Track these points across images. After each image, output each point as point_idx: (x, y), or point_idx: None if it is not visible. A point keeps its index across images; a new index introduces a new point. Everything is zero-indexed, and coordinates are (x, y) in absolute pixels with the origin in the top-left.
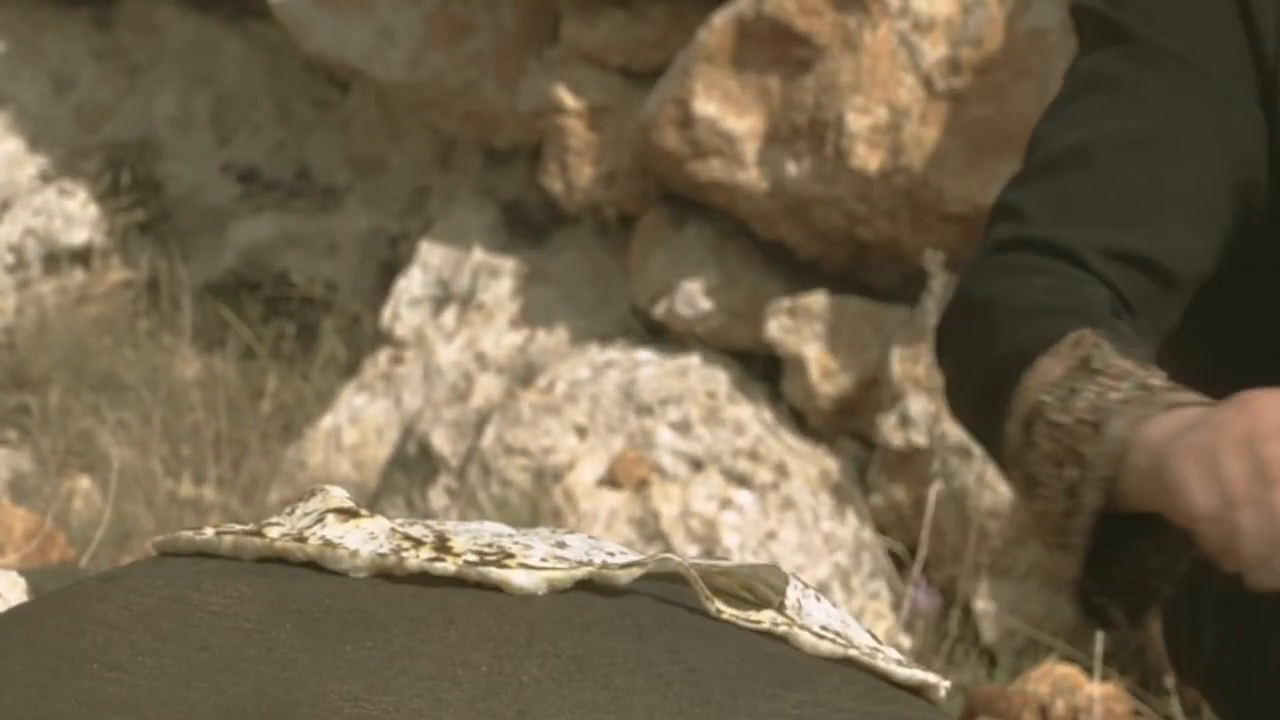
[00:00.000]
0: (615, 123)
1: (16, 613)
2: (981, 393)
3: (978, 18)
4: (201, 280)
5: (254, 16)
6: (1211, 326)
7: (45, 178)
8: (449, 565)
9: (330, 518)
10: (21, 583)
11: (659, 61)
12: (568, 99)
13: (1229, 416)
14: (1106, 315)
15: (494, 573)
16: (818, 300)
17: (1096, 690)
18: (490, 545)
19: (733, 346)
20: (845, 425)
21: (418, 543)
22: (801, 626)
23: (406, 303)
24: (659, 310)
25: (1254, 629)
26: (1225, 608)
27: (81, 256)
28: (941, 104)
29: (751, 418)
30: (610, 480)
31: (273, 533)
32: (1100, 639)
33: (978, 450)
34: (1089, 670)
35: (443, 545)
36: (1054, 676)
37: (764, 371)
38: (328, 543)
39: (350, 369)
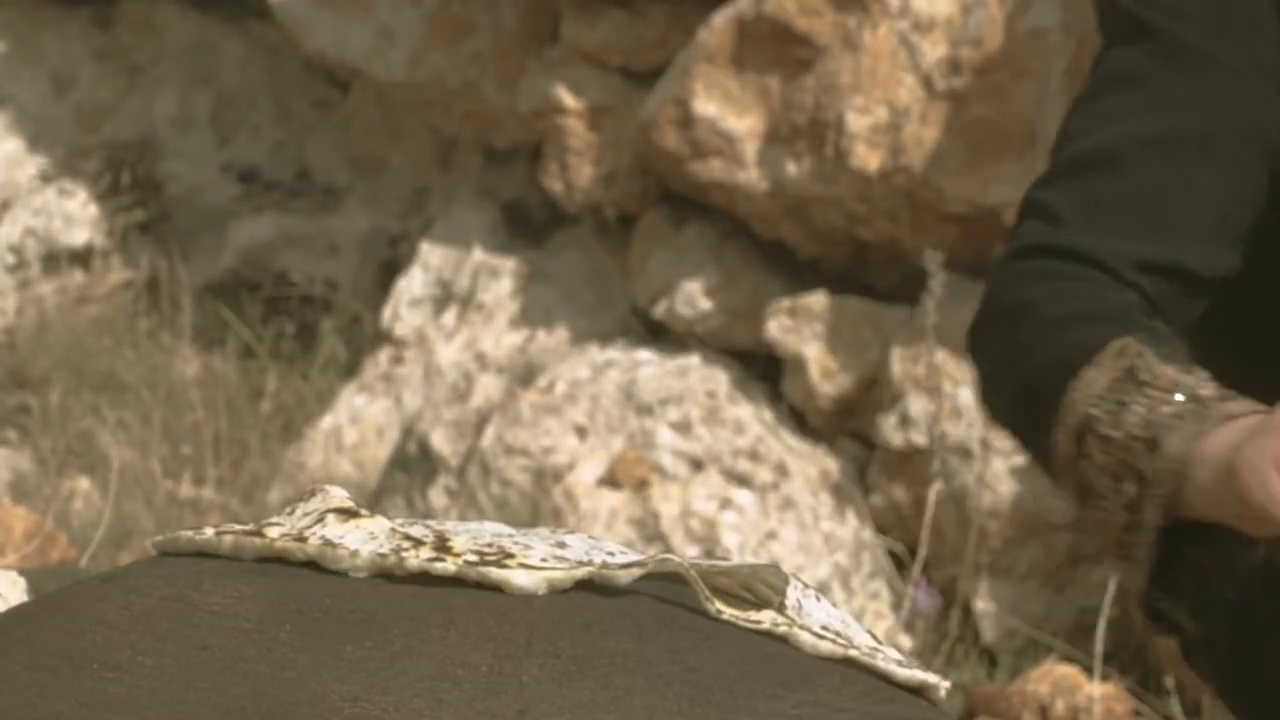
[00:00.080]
0: (615, 123)
1: (16, 613)
2: (1024, 400)
3: (978, 18)
4: (201, 280)
5: (254, 16)
6: (1232, 323)
7: (45, 178)
8: (449, 565)
9: (330, 518)
10: (21, 583)
11: (659, 61)
12: (568, 99)
13: None
14: (1141, 318)
15: (494, 573)
16: (818, 300)
17: (1096, 690)
18: (490, 545)
19: (733, 346)
20: (845, 425)
21: (418, 543)
22: (802, 626)
23: (407, 303)
24: (659, 310)
25: (1265, 627)
26: (1238, 606)
27: (81, 256)
28: (941, 104)
29: (751, 418)
30: (610, 480)
31: (273, 533)
32: (1100, 639)
33: (978, 450)
34: (1089, 670)
35: (443, 545)
36: (1054, 676)
37: (764, 371)
38: (328, 543)
39: (350, 369)
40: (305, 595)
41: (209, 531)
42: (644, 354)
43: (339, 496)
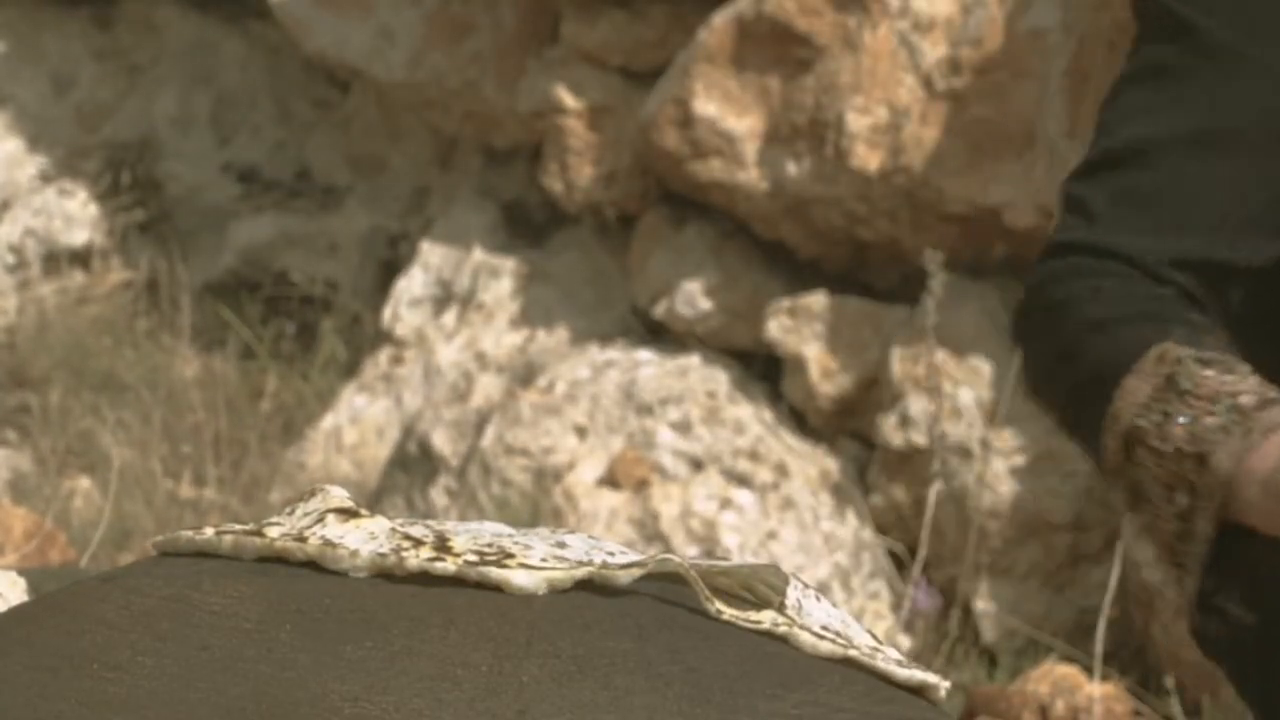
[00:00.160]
0: (615, 123)
1: (16, 613)
2: (1071, 405)
3: (978, 18)
4: (201, 280)
5: (254, 16)
6: (1271, 312)
7: (45, 178)
8: (449, 565)
9: (330, 518)
10: (21, 583)
11: (659, 61)
12: (568, 99)
13: None
14: (1178, 311)
15: (494, 573)
16: (818, 300)
17: (1096, 690)
18: (490, 545)
19: (733, 346)
20: (845, 425)
21: (418, 543)
22: (802, 626)
23: (407, 303)
24: (659, 310)
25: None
26: (1250, 588)
27: (81, 257)
28: (941, 104)
29: (751, 418)
30: (610, 480)
31: (273, 532)
32: (1100, 639)
33: (978, 450)
34: (1089, 670)
35: (443, 545)
36: (1054, 676)
37: (764, 371)
38: (328, 542)
39: (350, 369)
40: (305, 595)
41: (209, 531)
42: (644, 354)
43: (339, 496)
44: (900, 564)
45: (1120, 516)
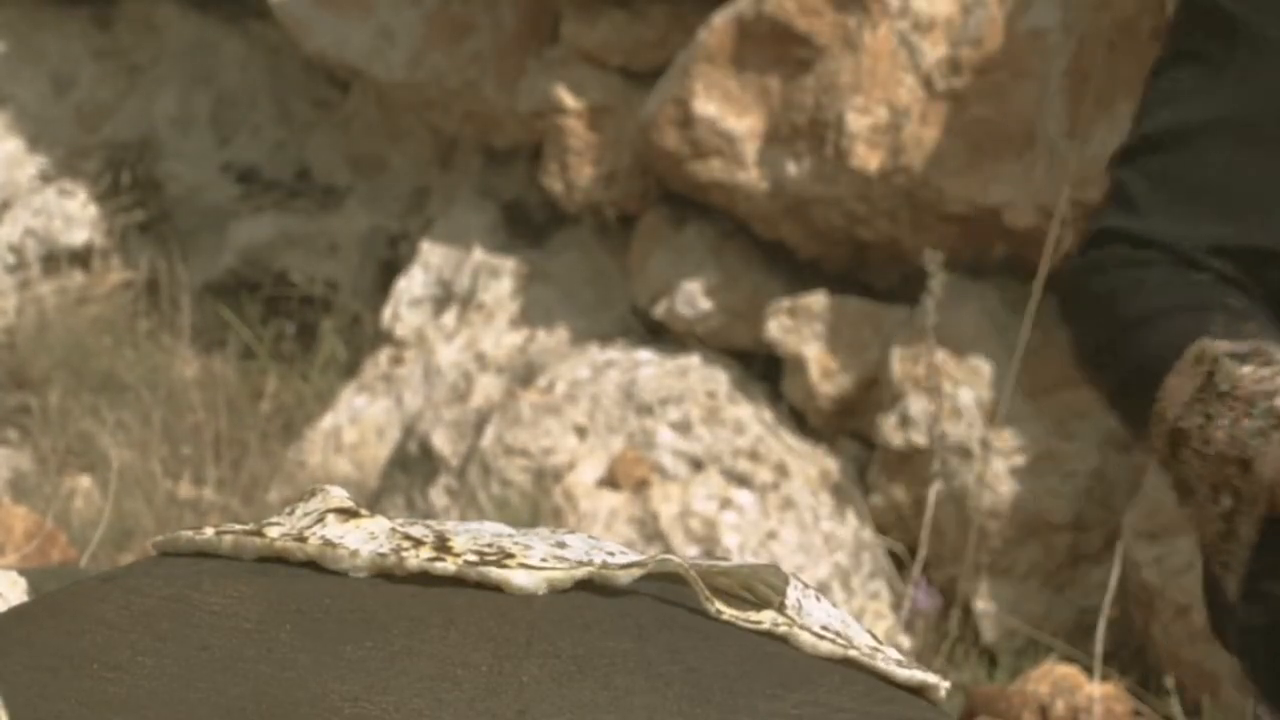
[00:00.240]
0: (615, 123)
1: (16, 613)
2: (1119, 400)
3: (978, 18)
4: (201, 280)
5: (254, 16)
6: None
7: (45, 178)
8: (449, 565)
9: (330, 518)
10: (21, 583)
11: (659, 61)
12: (568, 99)
13: None
14: (1218, 299)
15: (494, 573)
16: (818, 300)
17: (1096, 690)
18: (490, 545)
19: (733, 346)
20: (845, 425)
21: (418, 543)
22: (802, 626)
23: (407, 303)
24: (659, 310)
25: None
26: (1257, 578)
27: (81, 257)
28: (941, 104)
29: (751, 418)
30: (610, 480)
31: (273, 532)
32: (1100, 639)
33: (978, 450)
34: (1089, 670)
35: (443, 545)
36: (1054, 676)
37: (764, 371)
38: (328, 542)
39: (350, 369)
40: (305, 595)
41: (209, 531)
42: (644, 354)
43: (339, 496)
44: (900, 564)
45: (1120, 516)
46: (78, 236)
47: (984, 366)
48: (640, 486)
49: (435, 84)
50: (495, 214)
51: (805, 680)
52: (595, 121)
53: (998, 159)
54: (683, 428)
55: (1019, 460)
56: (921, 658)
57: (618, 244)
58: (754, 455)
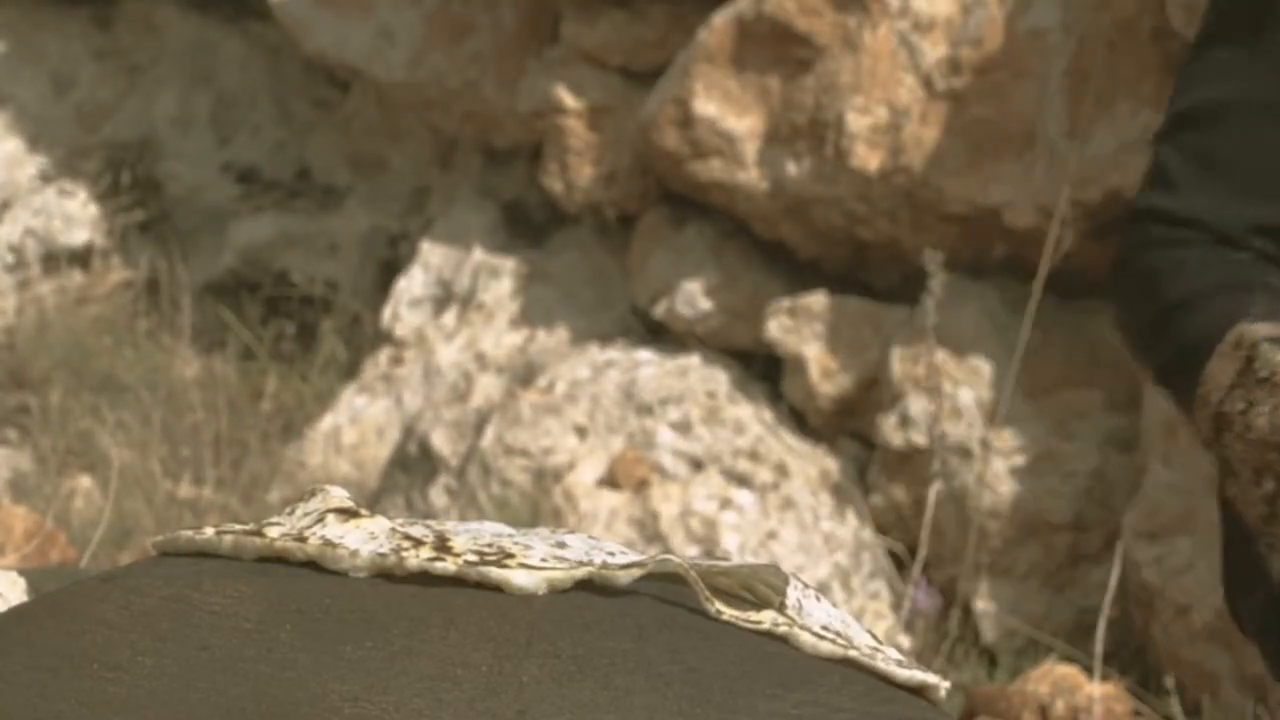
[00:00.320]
0: (615, 123)
1: (16, 613)
2: (1165, 383)
3: (978, 18)
4: (201, 280)
5: (254, 16)
6: None
7: (45, 178)
8: (449, 565)
9: (330, 518)
10: (21, 583)
11: (659, 61)
12: (568, 99)
13: None
14: (1258, 278)
15: (494, 573)
16: (818, 300)
17: (1096, 690)
18: (490, 545)
19: (733, 346)
20: (845, 425)
21: (418, 543)
22: (802, 627)
23: (407, 303)
24: (659, 310)
25: None
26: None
27: (81, 256)
28: (941, 104)
29: (751, 418)
30: (610, 480)
31: (273, 532)
32: (1100, 639)
33: (978, 450)
34: (1089, 670)
35: (443, 545)
36: (1054, 676)
37: (764, 371)
38: (328, 542)
39: (350, 369)
40: (305, 595)
41: (209, 531)
42: (644, 354)
43: (339, 496)
44: (900, 564)
45: (1120, 516)
46: (78, 236)
47: (984, 366)
48: (640, 486)
49: (435, 84)
50: (495, 214)
51: (805, 680)
52: (595, 121)
53: (998, 159)
54: (683, 428)
55: (1019, 460)
56: (921, 658)
57: (618, 244)
58: (754, 455)
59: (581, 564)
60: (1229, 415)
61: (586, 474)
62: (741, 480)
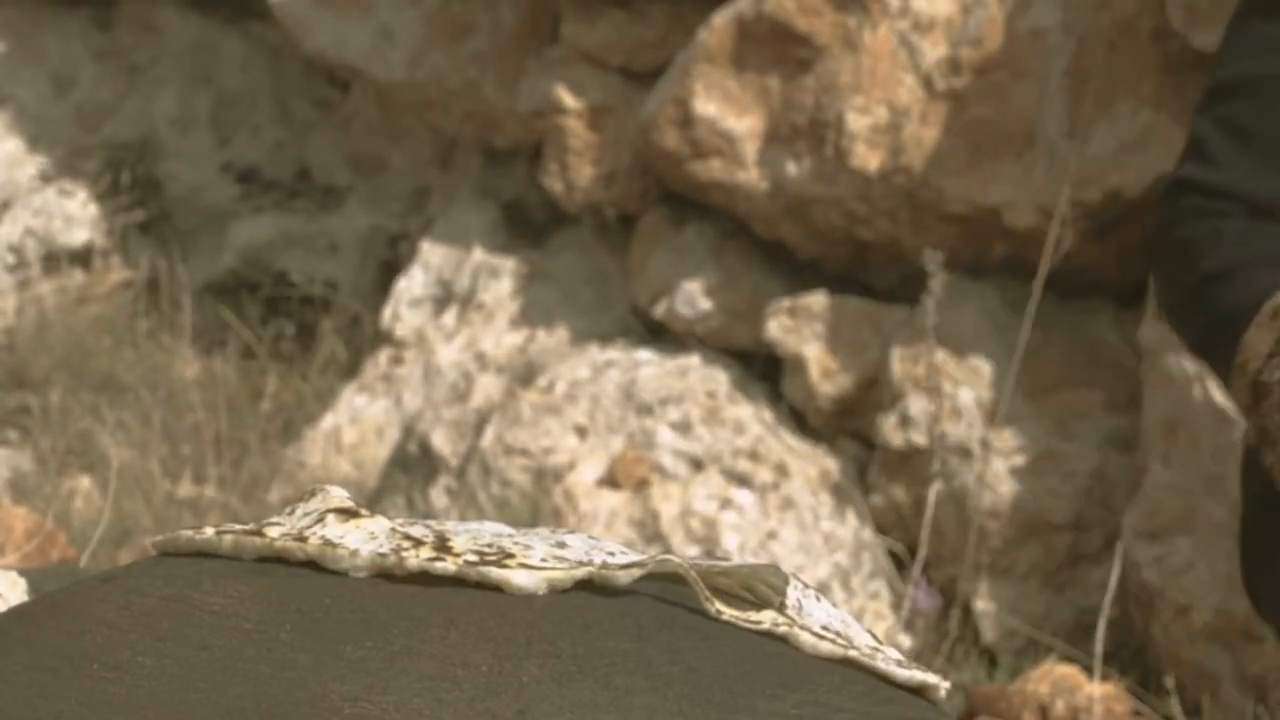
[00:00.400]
0: (615, 123)
1: (16, 613)
2: (1203, 351)
3: (978, 18)
4: (201, 280)
5: (254, 16)
6: None
7: (45, 178)
8: (449, 565)
9: (330, 517)
10: (21, 583)
11: (659, 61)
12: (568, 99)
13: None
14: None
15: (494, 573)
16: (818, 300)
17: (1096, 690)
18: (490, 545)
19: (733, 346)
20: (845, 425)
21: (418, 543)
22: (802, 627)
23: (407, 303)
24: (659, 310)
25: None
26: None
27: (81, 256)
28: (941, 104)
29: (751, 418)
30: (610, 480)
31: (273, 532)
32: (1100, 639)
33: (978, 450)
34: (1089, 670)
35: (443, 545)
36: (1054, 676)
37: (764, 371)
38: (328, 542)
39: (350, 369)
40: (305, 595)
41: (209, 531)
42: (644, 354)
43: (339, 496)
44: (900, 564)
45: (1120, 516)
46: (78, 236)
47: (984, 366)
48: (640, 486)
49: (435, 84)
50: (495, 214)
51: (805, 680)
52: (595, 121)
53: (998, 159)
54: (683, 428)
55: (1019, 460)
56: (921, 658)
57: (618, 244)
58: (754, 455)
59: (581, 564)
60: (1267, 384)
61: (586, 474)
62: (741, 480)
